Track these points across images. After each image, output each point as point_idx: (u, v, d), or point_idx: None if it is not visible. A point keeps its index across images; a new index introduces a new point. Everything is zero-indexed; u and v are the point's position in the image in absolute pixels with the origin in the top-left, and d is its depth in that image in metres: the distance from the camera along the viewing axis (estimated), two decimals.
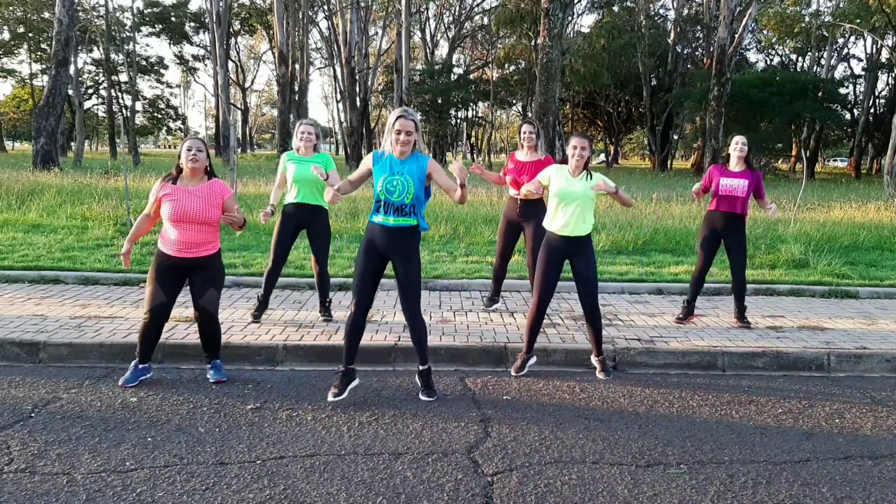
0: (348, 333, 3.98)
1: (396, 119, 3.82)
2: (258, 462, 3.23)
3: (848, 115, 38.88)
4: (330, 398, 3.96)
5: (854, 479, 3.21)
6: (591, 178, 4.43)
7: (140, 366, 4.21)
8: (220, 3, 34.52)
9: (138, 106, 45.42)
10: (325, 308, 5.47)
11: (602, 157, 48.07)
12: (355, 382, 4.07)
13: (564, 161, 4.53)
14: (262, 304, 5.35)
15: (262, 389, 4.22)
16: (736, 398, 4.29)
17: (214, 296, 4.20)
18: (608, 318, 5.78)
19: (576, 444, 3.53)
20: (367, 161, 3.98)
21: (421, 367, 4.15)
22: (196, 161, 4.03)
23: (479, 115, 47.53)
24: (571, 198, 4.39)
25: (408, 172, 3.84)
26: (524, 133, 5.67)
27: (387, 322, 5.47)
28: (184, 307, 5.27)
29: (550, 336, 5.18)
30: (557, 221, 4.47)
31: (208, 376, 4.32)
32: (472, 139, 52.97)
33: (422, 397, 4.08)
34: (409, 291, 3.96)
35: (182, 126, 55.74)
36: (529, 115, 29.11)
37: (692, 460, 3.37)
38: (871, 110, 39.23)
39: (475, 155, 51.11)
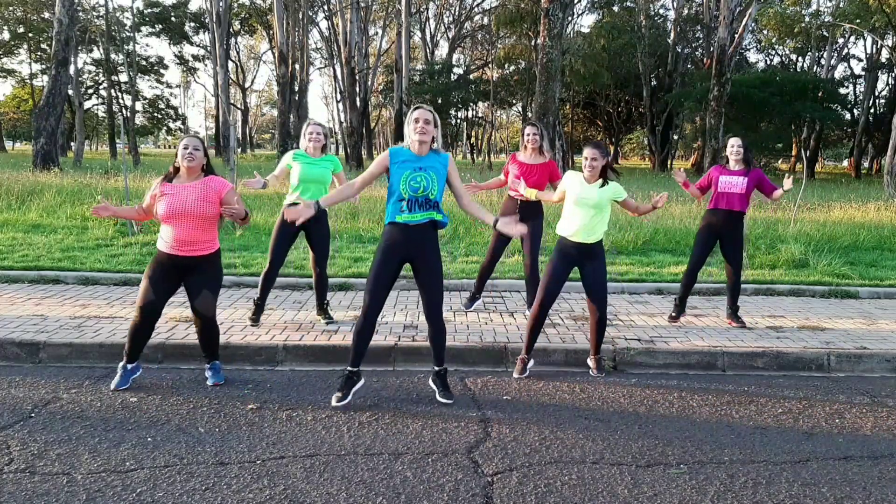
0: (358, 335, 3.87)
1: (415, 109, 3.80)
2: (258, 462, 3.23)
3: (848, 115, 38.89)
4: (334, 402, 3.87)
5: (854, 479, 3.21)
6: (606, 185, 4.44)
7: (129, 366, 4.13)
8: (220, 3, 34.54)
9: (138, 106, 45.41)
10: (324, 309, 5.39)
11: None
12: (360, 384, 3.99)
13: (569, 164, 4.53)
14: (259, 308, 5.23)
15: (262, 389, 4.22)
16: (736, 398, 4.29)
17: (209, 298, 4.10)
18: (608, 318, 5.77)
19: (576, 444, 3.53)
20: (382, 159, 3.83)
21: (438, 368, 4.08)
22: (193, 160, 3.94)
23: (479, 115, 47.50)
24: (587, 204, 4.39)
25: (430, 168, 3.77)
26: (528, 135, 5.61)
27: (386, 322, 5.46)
28: (184, 307, 5.27)
29: (550, 336, 5.18)
30: (571, 227, 4.46)
31: (206, 376, 4.28)
32: (472, 139, 52.96)
33: (440, 399, 4.01)
34: (434, 292, 3.88)
35: (182, 126, 55.75)
36: (530, 115, 29.08)
37: (692, 460, 3.37)
38: (871, 110, 39.23)
39: (475, 155, 51.10)
